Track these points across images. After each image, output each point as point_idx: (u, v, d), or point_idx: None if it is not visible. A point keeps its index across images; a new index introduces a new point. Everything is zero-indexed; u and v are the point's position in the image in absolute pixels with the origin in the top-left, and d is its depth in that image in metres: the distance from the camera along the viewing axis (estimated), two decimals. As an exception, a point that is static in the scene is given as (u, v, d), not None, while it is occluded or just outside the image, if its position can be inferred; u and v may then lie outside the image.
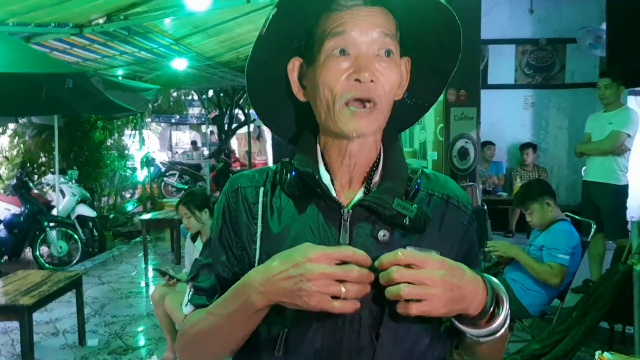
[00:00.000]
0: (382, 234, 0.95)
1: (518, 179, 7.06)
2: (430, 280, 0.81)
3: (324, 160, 1.02)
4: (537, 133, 7.75)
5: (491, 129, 7.18)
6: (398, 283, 0.81)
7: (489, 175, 7.46)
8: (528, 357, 3.11)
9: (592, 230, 3.77)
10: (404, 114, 1.09)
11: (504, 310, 0.90)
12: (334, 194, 0.98)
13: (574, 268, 3.36)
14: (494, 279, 0.93)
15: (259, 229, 1.00)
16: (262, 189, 1.04)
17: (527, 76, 7.67)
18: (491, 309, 0.89)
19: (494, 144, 7.53)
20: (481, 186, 5.96)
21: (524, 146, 7.34)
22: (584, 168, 5.12)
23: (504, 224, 7.10)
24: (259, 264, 0.97)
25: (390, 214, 0.94)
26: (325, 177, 1.00)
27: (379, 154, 1.03)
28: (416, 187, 1.00)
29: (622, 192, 4.81)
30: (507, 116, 7.61)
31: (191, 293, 1.08)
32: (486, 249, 3.57)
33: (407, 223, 0.95)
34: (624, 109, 4.82)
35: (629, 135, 4.71)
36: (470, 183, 4.96)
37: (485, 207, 4.91)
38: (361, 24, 0.93)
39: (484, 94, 5.78)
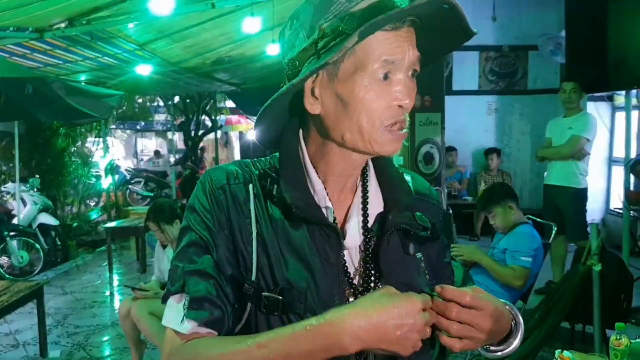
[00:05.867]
0: (412, 248, 1.01)
1: (482, 183, 7.17)
2: (479, 327, 0.88)
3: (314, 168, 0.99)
4: (501, 138, 7.89)
5: (455, 134, 7.28)
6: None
7: (453, 180, 7.55)
8: (492, 358, 3.15)
9: (553, 232, 3.86)
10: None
11: (519, 335, 0.99)
12: (330, 217, 0.97)
13: (537, 270, 3.42)
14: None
15: (254, 231, 0.95)
16: (250, 185, 0.98)
17: (490, 82, 7.81)
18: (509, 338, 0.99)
19: (456, 149, 7.63)
20: (446, 190, 6.03)
21: (489, 151, 7.46)
22: (546, 172, 5.22)
23: (469, 228, 7.19)
24: (257, 268, 0.93)
25: (420, 233, 1.02)
26: (321, 192, 0.98)
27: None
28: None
29: (582, 195, 4.92)
30: (471, 122, 7.73)
31: (186, 307, 0.93)
32: (451, 253, 3.61)
33: (429, 234, 1.03)
34: (583, 114, 4.93)
35: (588, 140, 4.81)
36: (436, 187, 5.01)
37: (451, 211, 4.97)
38: (405, 48, 0.91)
39: (449, 100, 5.86)
